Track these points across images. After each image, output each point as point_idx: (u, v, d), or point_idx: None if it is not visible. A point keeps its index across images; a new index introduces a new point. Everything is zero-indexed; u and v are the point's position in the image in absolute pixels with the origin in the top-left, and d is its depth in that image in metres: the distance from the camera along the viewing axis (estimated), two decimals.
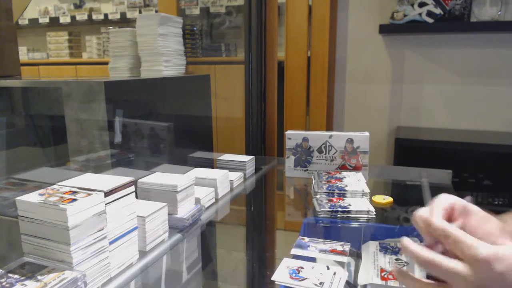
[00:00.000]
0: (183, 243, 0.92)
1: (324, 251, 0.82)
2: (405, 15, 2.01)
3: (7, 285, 0.60)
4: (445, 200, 0.60)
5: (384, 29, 2.09)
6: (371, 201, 1.11)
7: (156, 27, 1.51)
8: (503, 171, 2.03)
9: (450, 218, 0.61)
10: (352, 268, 0.77)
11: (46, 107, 1.52)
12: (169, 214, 0.91)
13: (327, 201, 1.08)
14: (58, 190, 0.70)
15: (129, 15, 3.38)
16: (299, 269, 0.75)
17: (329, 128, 2.31)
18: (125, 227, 0.76)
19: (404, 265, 0.76)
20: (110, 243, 0.72)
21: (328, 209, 1.02)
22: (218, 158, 1.40)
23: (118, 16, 3.43)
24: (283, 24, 2.17)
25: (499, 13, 1.95)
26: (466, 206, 0.60)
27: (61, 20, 3.68)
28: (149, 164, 1.23)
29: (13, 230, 1.05)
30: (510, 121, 2.08)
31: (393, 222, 1.06)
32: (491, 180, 2.05)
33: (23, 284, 0.60)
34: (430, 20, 1.97)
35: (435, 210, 0.58)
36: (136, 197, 0.83)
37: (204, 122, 1.62)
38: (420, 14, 1.98)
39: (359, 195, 1.11)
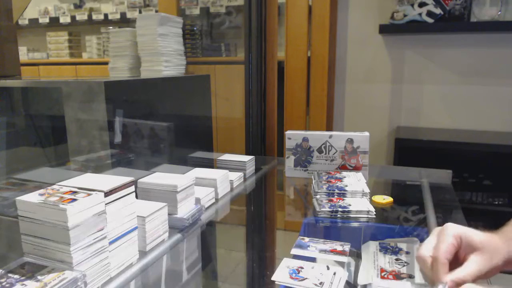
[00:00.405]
0: (183, 243, 0.92)
1: (324, 251, 0.82)
2: (405, 15, 2.01)
3: (7, 285, 0.60)
4: (451, 239, 0.59)
5: (384, 29, 2.09)
6: (371, 201, 1.11)
7: (156, 27, 1.51)
8: (503, 171, 2.03)
9: (456, 255, 0.60)
10: (352, 268, 0.77)
11: (46, 107, 1.52)
12: (169, 214, 0.91)
13: (327, 201, 1.08)
14: (58, 190, 0.70)
15: (129, 15, 3.38)
16: (299, 269, 0.75)
17: (329, 128, 2.31)
18: (125, 227, 0.76)
19: (404, 265, 0.76)
20: (110, 243, 0.72)
21: (328, 209, 1.02)
22: (218, 158, 1.40)
23: (118, 16, 3.43)
24: (283, 24, 2.17)
25: (499, 13, 1.95)
26: (472, 242, 0.58)
27: (61, 20, 3.68)
28: (149, 164, 1.23)
29: (13, 230, 1.05)
30: (510, 121, 2.08)
31: (393, 222, 1.06)
32: (491, 180, 2.05)
33: (23, 284, 0.60)
34: (430, 20, 1.97)
35: (441, 265, 0.57)
36: (136, 197, 0.83)
37: (204, 122, 1.61)
38: (420, 14, 1.98)
39: (359, 195, 1.11)
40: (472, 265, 0.56)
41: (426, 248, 0.61)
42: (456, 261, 0.60)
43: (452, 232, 0.59)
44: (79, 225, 0.64)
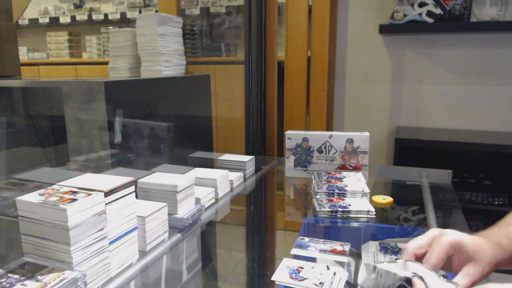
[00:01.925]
0: (183, 243, 0.92)
1: (324, 251, 0.82)
2: (405, 15, 2.00)
3: (7, 285, 0.60)
4: (445, 248, 0.62)
5: (384, 29, 2.08)
6: (371, 201, 1.11)
7: (156, 27, 1.51)
8: (503, 171, 2.03)
9: (450, 261, 0.63)
10: (352, 268, 0.77)
11: (46, 107, 1.52)
12: (169, 214, 0.91)
13: (327, 201, 1.08)
14: (58, 190, 0.70)
15: (129, 15, 3.38)
16: (299, 269, 0.75)
17: (329, 128, 2.31)
18: (125, 227, 0.76)
19: None
20: (110, 243, 0.72)
21: (328, 209, 1.02)
22: (218, 158, 1.40)
23: (118, 16, 3.43)
24: (283, 24, 2.17)
25: (499, 13, 1.95)
26: (467, 252, 0.61)
27: (61, 20, 3.68)
28: (149, 164, 1.23)
29: (13, 230, 1.05)
30: (510, 121, 2.08)
31: (393, 222, 1.06)
32: (491, 180, 2.05)
33: (23, 284, 0.60)
34: (430, 20, 1.97)
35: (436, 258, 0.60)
36: (136, 197, 0.83)
37: (204, 122, 1.61)
38: (420, 14, 1.98)
39: (359, 195, 1.11)
40: (466, 277, 0.60)
41: (414, 245, 0.64)
42: (448, 266, 0.63)
43: (448, 240, 0.62)
44: (79, 225, 0.64)
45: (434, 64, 2.15)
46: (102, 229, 0.69)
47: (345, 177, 1.23)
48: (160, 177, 0.97)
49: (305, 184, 1.37)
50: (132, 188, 0.77)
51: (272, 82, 1.99)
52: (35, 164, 1.49)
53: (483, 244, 0.63)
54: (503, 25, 1.94)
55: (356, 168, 1.33)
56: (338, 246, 0.84)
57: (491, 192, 2.00)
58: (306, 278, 0.71)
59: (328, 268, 0.75)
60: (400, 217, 1.10)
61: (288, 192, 1.40)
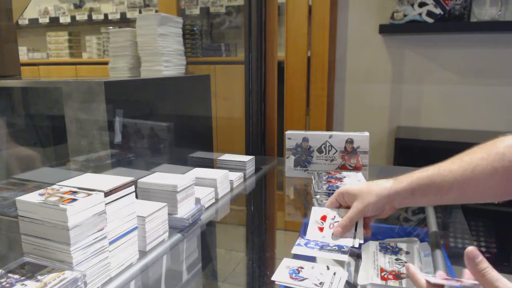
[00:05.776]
0: (183, 243, 0.92)
1: (324, 251, 0.82)
2: (405, 15, 2.01)
3: (7, 285, 0.60)
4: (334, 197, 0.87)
5: (384, 29, 2.09)
6: None
7: (156, 27, 1.51)
8: None
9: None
10: (352, 268, 0.77)
11: (46, 107, 1.52)
12: (169, 214, 0.91)
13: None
14: (58, 190, 0.70)
15: (129, 15, 3.38)
16: (299, 269, 0.75)
17: (329, 128, 2.31)
18: (125, 227, 0.76)
19: (404, 265, 0.76)
20: (110, 243, 0.72)
21: None
22: (218, 158, 1.40)
23: (118, 16, 3.43)
24: (283, 24, 2.17)
25: (499, 13, 1.95)
26: (353, 194, 0.81)
27: (61, 20, 3.68)
28: (149, 164, 1.23)
29: (13, 230, 1.05)
30: (510, 121, 2.08)
31: (393, 222, 1.06)
32: None
33: (23, 284, 0.60)
34: (430, 20, 1.97)
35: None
36: (136, 197, 0.83)
37: (204, 122, 1.61)
38: (420, 14, 1.98)
39: None
40: (350, 211, 0.79)
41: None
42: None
43: (337, 191, 0.86)
44: (79, 225, 0.64)
45: (434, 64, 2.16)
46: (102, 229, 0.69)
47: (345, 177, 1.23)
48: (160, 177, 0.97)
49: (305, 184, 1.37)
50: (132, 188, 0.77)
51: (272, 82, 1.99)
52: (35, 164, 1.49)
53: (371, 183, 0.78)
54: (503, 25, 1.94)
55: (356, 168, 1.33)
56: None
57: None
58: (306, 278, 0.71)
59: (328, 268, 0.75)
60: (400, 217, 1.10)
61: (288, 192, 1.40)
